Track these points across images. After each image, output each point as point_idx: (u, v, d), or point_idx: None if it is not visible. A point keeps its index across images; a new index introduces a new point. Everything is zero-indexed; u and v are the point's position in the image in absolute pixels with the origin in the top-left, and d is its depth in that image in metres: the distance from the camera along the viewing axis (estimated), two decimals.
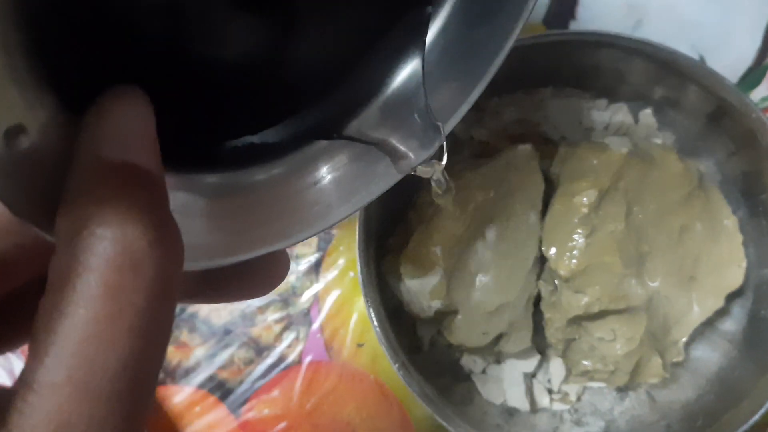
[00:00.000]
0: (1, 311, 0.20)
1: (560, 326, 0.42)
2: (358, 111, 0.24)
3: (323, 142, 0.24)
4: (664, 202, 0.43)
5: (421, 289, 0.41)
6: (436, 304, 0.41)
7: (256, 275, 0.23)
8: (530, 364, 0.45)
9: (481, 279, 0.41)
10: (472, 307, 0.41)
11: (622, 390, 0.45)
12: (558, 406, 0.45)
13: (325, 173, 0.24)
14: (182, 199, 0.18)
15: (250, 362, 0.48)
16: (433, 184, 0.26)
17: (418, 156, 0.22)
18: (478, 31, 0.24)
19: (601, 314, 0.42)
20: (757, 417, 0.38)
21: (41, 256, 0.19)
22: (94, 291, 0.14)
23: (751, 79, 0.49)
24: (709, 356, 0.44)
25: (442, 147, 0.23)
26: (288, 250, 0.50)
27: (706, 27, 0.49)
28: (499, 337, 0.43)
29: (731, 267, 0.43)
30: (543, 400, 0.45)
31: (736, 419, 0.39)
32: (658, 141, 0.46)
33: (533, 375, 0.45)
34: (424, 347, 0.45)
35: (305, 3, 0.22)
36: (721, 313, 0.44)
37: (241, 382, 0.48)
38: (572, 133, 0.47)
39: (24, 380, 0.14)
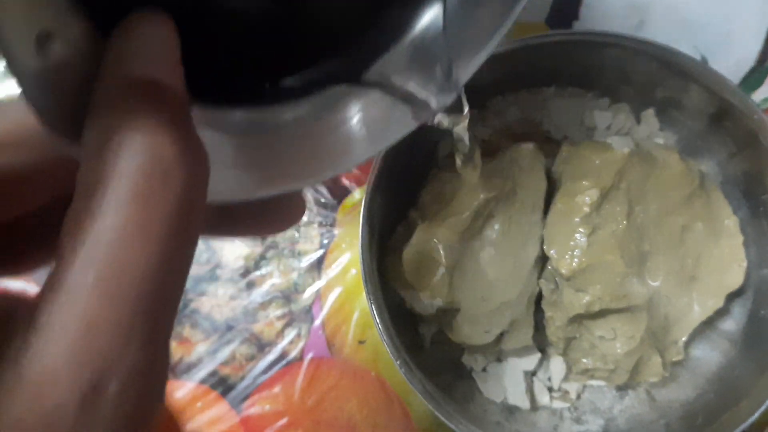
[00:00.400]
0: (22, 231, 0.20)
1: (561, 325, 0.43)
2: (378, 56, 0.24)
3: (342, 88, 0.24)
4: (665, 201, 0.43)
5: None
6: (438, 302, 0.41)
7: (273, 213, 0.23)
8: (531, 362, 0.45)
9: (482, 277, 0.42)
10: (473, 306, 0.42)
11: (622, 388, 0.45)
12: (558, 404, 0.45)
13: (350, 115, 0.24)
14: (208, 134, 0.18)
15: (251, 358, 0.48)
16: (455, 143, 0.26)
17: (436, 103, 0.22)
18: None
19: (602, 313, 0.42)
20: (756, 416, 0.38)
21: (63, 173, 0.19)
22: (124, 196, 0.14)
23: (753, 79, 0.49)
24: (709, 355, 0.44)
25: (462, 101, 0.23)
26: (290, 246, 0.50)
27: (709, 28, 0.49)
28: (500, 335, 0.43)
29: (732, 267, 0.43)
30: (543, 398, 0.45)
31: (735, 418, 0.39)
32: (660, 141, 0.47)
33: (534, 373, 0.46)
34: (426, 345, 0.45)
35: None
36: (722, 312, 0.44)
37: (242, 378, 0.48)
38: (574, 133, 0.47)
39: (52, 283, 0.14)
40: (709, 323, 0.44)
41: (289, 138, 0.23)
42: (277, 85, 0.23)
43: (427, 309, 0.41)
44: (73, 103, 0.16)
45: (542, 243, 0.42)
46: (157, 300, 0.15)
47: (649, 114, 0.47)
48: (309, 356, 0.48)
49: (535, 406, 0.45)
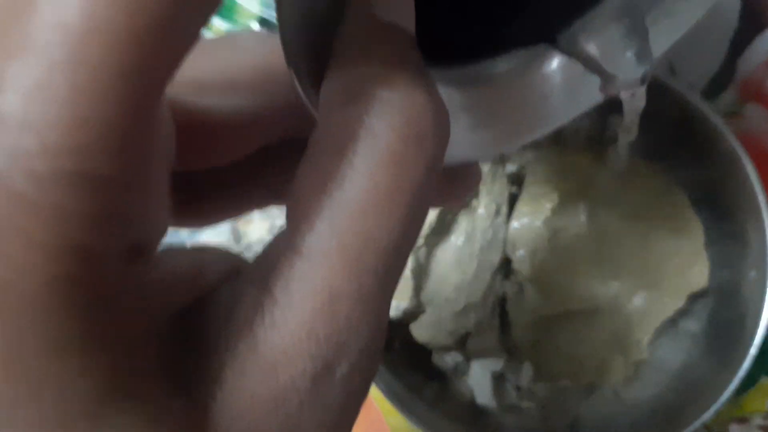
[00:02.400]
0: (215, 180, 0.19)
1: (526, 326, 0.44)
2: (576, 17, 0.23)
3: (537, 50, 0.23)
4: (628, 204, 0.44)
5: None
6: (403, 305, 0.42)
7: (454, 182, 0.22)
8: (497, 363, 0.46)
9: (447, 280, 0.43)
10: (438, 307, 0.42)
11: (588, 388, 0.46)
12: (526, 404, 0.46)
13: (536, 85, 0.23)
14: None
15: None
16: (625, 112, 0.24)
17: (626, 77, 0.21)
18: None
19: (566, 315, 0.43)
20: (713, 410, 0.39)
21: (282, 123, 0.18)
22: (377, 159, 0.13)
23: (718, 83, 0.50)
24: (672, 354, 0.45)
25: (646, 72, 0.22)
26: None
27: None
28: (465, 337, 0.44)
29: (694, 269, 0.44)
30: (511, 398, 0.46)
31: (695, 413, 0.40)
32: (626, 145, 0.47)
33: (502, 374, 0.47)
34: (396, 346, 0.46)
35: None
36: (684, 313, 0.45)
37: None
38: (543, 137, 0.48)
39: (288, 245, 0.13)
40: (672, 323, 0.45)
41: (500, 93, 0.22)
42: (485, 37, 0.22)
43: (395, 312, 0.42)
44: (320, 43, 0.15)
45: (506, 245, 0.43)
46: (394, 273, 0.14)
47: (616, 119, 0.48)
48: None
49: (502, 406, 0.46)
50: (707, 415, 0.40)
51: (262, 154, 0.20)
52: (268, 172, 0.21)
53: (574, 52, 0.22)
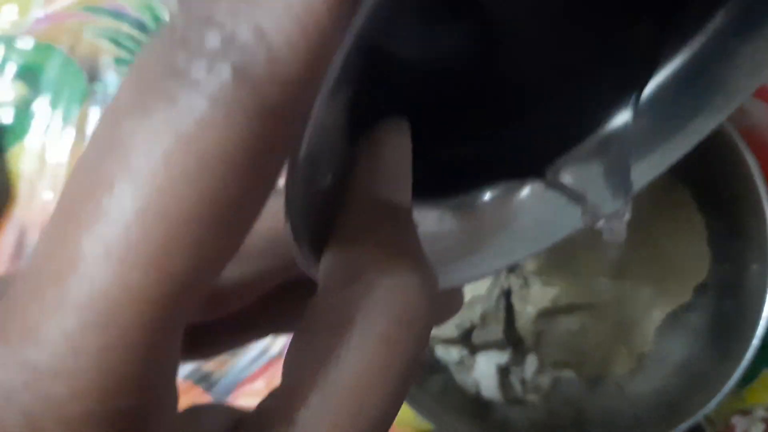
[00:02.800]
0: (247, 314, 0.21)
1: (530, 319, 0.44)
2: (561, 154, 0.24)
3: (522, 182, 0.24)
4: (632, 200, 0.44)
5: None
6: None
7: (440, 305, 0.22)
8: (503, 356, 0.46)
9: None
10: None
11: (592, 380, 0.47)
12: (531, 397, 0.47)
13: (519, 215, 0.24)
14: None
15: (234, 354, 0.50)
16: (604, 234, 0.26)
17: (605, 209, 0.23)
18: (690, 104, 0.24)
19: (570, 307, 0.43)
20: (714, 402, 0.40)
21: (280, 278, 0.20)
22: (371, 343, 0.14)
23: None
24: (676, 347, 0.46)
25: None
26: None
27: None
28: (471, 329, 0.44)
29: (696, 261, 0.45)
30: (516, 391, 0.47)
31: (696, 405, 0.41)
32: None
33: (506, 366, 0.47)
34: None
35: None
36: (687, 306, 0.46)
37: (226, 374, 0.50)
38: None
39: (285, 416, 0.13)
40: (675, 316, 0.46)
41: (485, 220, 0.23)
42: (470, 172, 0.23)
43: None
44: (321, 219, 0.16)
45: None
46: None
47: None
48: None
49: (508, 398, 0.46)
50: (709, 408, 0.40)
51: (265, 296, 0.21)
52: (269, 312, 0.22)
53: (558, 185, 0.23)
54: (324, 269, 0.15)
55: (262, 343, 0.50)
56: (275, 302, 0.21)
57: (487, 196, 0.24)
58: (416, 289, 0.14)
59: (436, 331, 0.44)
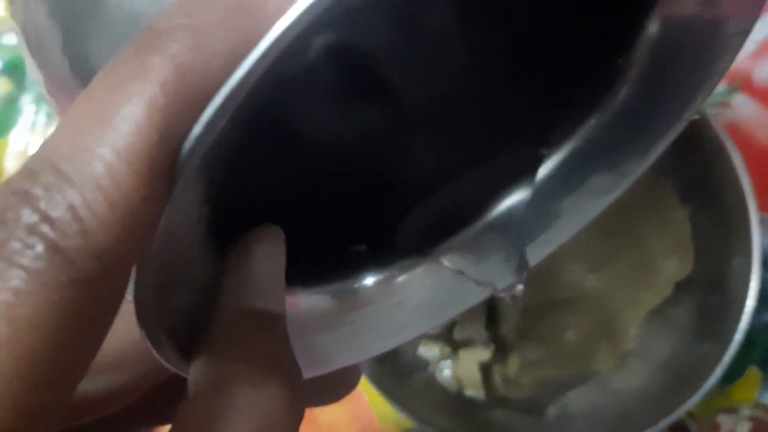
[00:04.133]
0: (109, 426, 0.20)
1: (513, 316, 0.44)
2: (453, 234, 0.24)
3: (418, 261, 0.24)
4: None
5: None
6: None
7: (331, 384, 0.23)
8: (485, 353, 0.46)
9: None
10: None
11: (576, 378, 0.46)
12: (514, 395, 0.46)
13: (411, 293, 0.24)
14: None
15: None
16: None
17: (500, 285, 0.23)
18: (582, 187, 0.25)
19: (552, 304, 0.43)
20: (695, 399, 0.39)
21: (151, 383, 0.20)
22: None
23: None
24: (660, 343, 0.45)
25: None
26: None
27: None
28: (452, 326, 0.44)
29: (680, 257, 0.44)
30: (499, 389, 0.46)
31: (680, 401, 0.40)
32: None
33: (489, 365, 0.47)
34: None
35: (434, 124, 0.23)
36: (671, 301, 0.45)
37: None
38: None
39: None
40: (660, 312, 0.45)
41: (360, 312, 0.23)
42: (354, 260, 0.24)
43: None
44: (184, 331, 0.16)
45: None
46: None
47: None
48: None
49: (491, 396, 0.46)
50: (691, 403, 0.40)
51: (154, 391, 0.21)
52: (158, 406, 0.22)
53: (449, 266, 0.24)
54: (192, 376, 0.16)
55: None
56: (164, 396, 0.21)
57: (372, 279, 0.24)
58: (279, 401, 0.15)
59: None
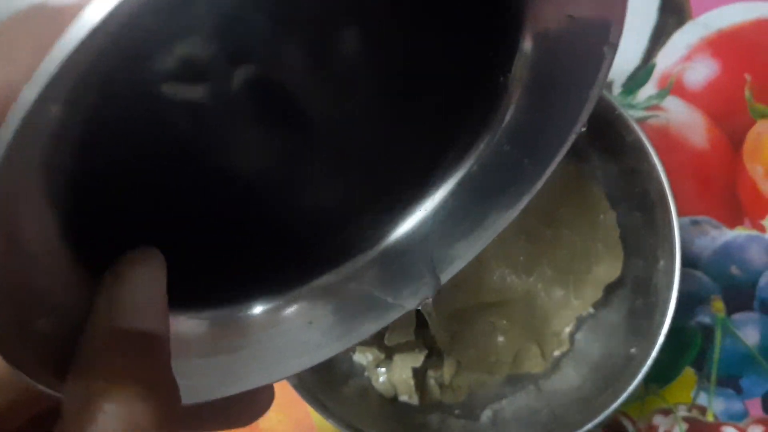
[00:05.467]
0: None
1: (442, 320, 0.44)
2: (353, 258, 0.25)
3: (318, 284, 0.25)
4: (542, 198, 0.44)
5: None
6: None
7: (240, 406, 0.23)
8: (418, 358, 0.46)
9: None
10: None
11: (510, 381, 0.47)
12: (449, 399, 0.47)
13: (320, 314, 0.24)
14: (175, 339, 0.18)
15: None
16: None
17: (409, 305, 0.24)
18: (483, 205, 0.25)
19: (480, 307, 0.43)
20: (622, 399, 0.39)
21: (38, 400, 0.19)
22: None
23: (638, 77, 0.50)
24: (592, 346, 0.46)
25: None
26: None
27: None
28: (383, 331, 0.44)
29: (608, 260, 0.44)
30: (434, 394, 0.46)
31: (607, 402, 0.40)
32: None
33: (424, 370, 0.47)
34: None
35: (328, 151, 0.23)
36: (603, 303, 0.45)
37: None
38: None
39: None
40: (592, 314, 0.46)
41: (257, 337, 0.23)
42: (248, 282, 0.24)
43: None
44: (57, 353, 0.16)
45: None
46: None
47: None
48: None
49: (425, 401, 0.46)
50: (618, 404, 0.40)
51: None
52: None
53: (355, 288, 0.24)
54: (64, 397, 0.16)
55: None
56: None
57: (267, 305, 0.24)
58: (146, 416, 0.15)
59: None
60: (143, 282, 0.17)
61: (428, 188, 0.25)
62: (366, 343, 0.45)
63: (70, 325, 0.17)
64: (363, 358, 0.46)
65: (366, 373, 0.46)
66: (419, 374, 0.46)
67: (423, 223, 0.25)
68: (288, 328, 0.24)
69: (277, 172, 0.23)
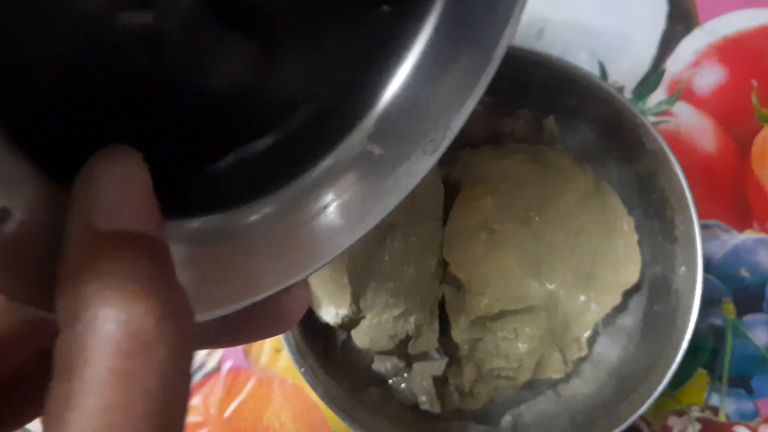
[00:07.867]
0: (4, 391, 0.19)
1: (464, 327, 0.44)
2: (351, 133, 0.23)
3: (323, 168, 0.23)
4: (561, 205, 0.44)
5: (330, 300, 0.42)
6: (342, 312, 0.42)
7: (272, 312, 0.22)
8: (439, 366, 0.46)
9: (386, 286, 0.43)
10: (377, 313, 0.43)
11: (529, 386, 0.47)
12: (469, 406, 0.47)
13: (331, 199, 0.23)
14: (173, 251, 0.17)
15: None
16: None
17: (425, 163, 0.22)
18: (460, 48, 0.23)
19: (502, 314, 0.43)
20: (646, 406, 0.40)
21: (42, 330, 0.18)
22: (102, 379, 0.13)
23: (648, 83, 0.51)
24: (610, 350, 0.46)
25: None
26: None
27: (605, 34, 0.51)
28: (407, 341, 0.44)
29: (627, 265, 0.45)
30: (454, 401, 0.47)
31: (631, 407, 0.41)
32: (560, 146, 0.48)
33: (444, 377, 0.47)
34: (338, 352, 0.46)
35: (286, 29, 0.21)
36: (620, 309, 0.46)
37: None
38: (479, 139, 0.49)
39: None
40: (609, 319, 0.46)
41: (261, 239, 0.22)
42: (234, 186, 0.22)
43: (334, 318, 0.42)
44: (38, 270, 0.15)
45: (442, 249, 0.43)
46: None
47: (550, 121, 0.48)
48: (227, 366, 0.49)
49: (445, 409, 0.46)
50: (642, 410, 0.40)
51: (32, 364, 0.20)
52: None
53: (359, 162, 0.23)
54: (56, 310, 0.15)
55: (197, 357, 0.49)
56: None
57: (255, 215, 0.22)
58: (144, 317, 0.14)
59: (371, 345, 0.43)
60: (117, 176, 0.16)
61: (402, 44, 0.23)
62: (386, 352, 0.45)
63: (51, 242, 0.16)
64: (382, 366, 0.46)
65: (388, 382, 0.46)
66: (439, 382, 0.46)
67: (407, 83, 0.23)
68: (294, 224, 0.22)
69: (237, 59, 0.21)
